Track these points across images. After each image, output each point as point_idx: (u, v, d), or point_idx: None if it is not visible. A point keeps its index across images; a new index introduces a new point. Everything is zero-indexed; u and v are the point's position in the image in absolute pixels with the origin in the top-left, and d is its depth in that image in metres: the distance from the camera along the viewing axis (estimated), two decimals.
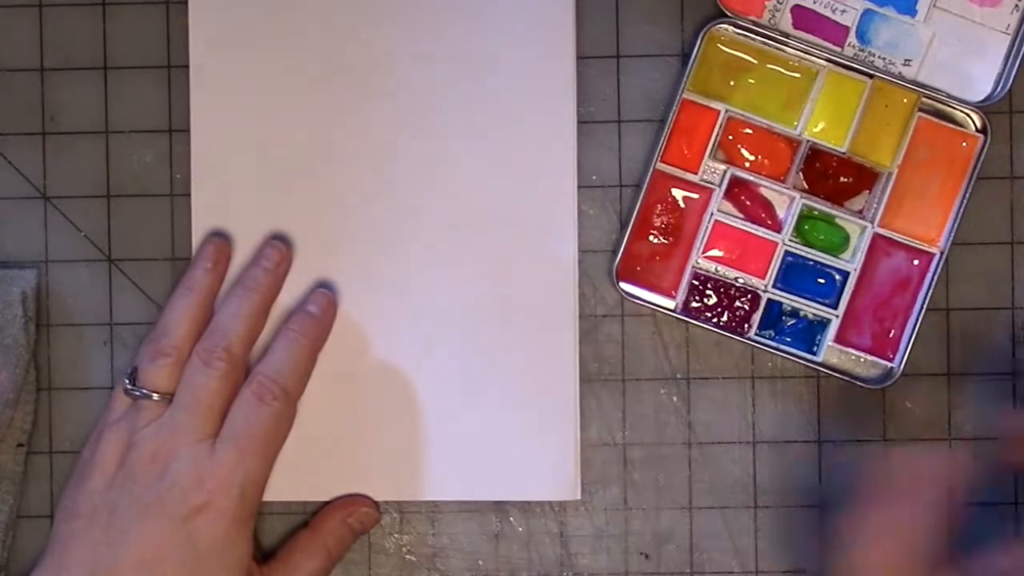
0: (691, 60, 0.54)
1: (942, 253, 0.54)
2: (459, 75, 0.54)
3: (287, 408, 0.51)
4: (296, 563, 0.53)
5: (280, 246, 0.53)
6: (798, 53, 0.54)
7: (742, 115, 0.54)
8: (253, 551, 0.51)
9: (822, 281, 0.55)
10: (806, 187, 0.55)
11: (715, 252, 0.54)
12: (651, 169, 0.54)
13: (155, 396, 0.50)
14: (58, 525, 0.50)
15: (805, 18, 0.55)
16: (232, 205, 0.55)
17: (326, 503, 0.54)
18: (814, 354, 0.54)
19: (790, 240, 0.54)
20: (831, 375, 0.54)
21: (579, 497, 0.54)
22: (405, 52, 0.54)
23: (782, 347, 0.54)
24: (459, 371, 0.54)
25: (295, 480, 0.54)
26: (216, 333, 0.51)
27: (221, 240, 0.54)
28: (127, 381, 0.51)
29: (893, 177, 0.54)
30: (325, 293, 0.54)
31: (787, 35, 0.54)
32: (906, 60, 0.55)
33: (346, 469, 0.54)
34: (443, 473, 0.54)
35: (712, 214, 0.54)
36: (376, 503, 0.54)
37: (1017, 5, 0.54)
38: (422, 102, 0.54)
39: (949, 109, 0.54)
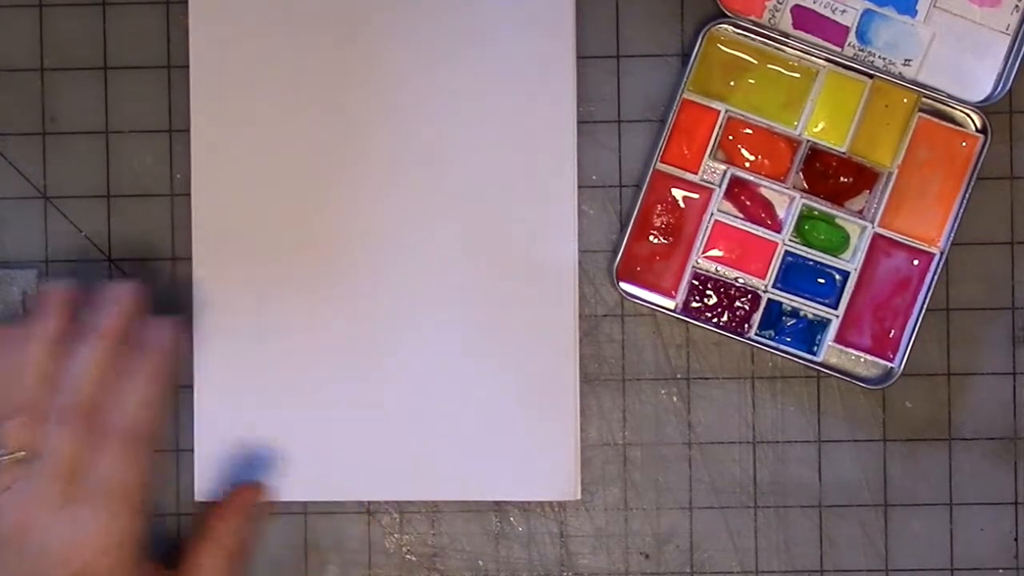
0: (691, 60, 0.54)
1: (942, 253, 0.54)
2: (459, 75, 0.54)
3: (148, 452, 0.49)
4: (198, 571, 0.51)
5: (127, 288, 0.50)
6: (798, 53, 0.54)
7: (742, 115, 0.54)
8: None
9: (822, 281, 0.55)
10: (806, 187, 0.55)
11: (715, 252, 0.54)
12: (651, 169, 0.54)
13: (20, 454, 0.47)
14: None
15: (805, 18, 0.55)
16: (232, 205, 0.55)
17: (212, 504, 0.53)
18: (814, 354, 0.54)
19: (790, 240, 0.54)
20: (831, 375, 0.54)
21: (579, 497, 0.54)
22: (405, 52, 0.54)
23: (782, 347, 0.54)
24: (459, 371, 0.54)
25: (294, 480, 0.54)
26: (67, 391, 0.48)
27: (63, 288, 0.50)
28: None
29: (893, 177, 0.54)
30: (166, 324, 0.51)
31: (787, 35, 0.54)
32: (906, 60, 0.55)
33: (346, 469, 0.54)
34: (443, 473, 0.54)
35: (712, 214, 0.54)
36: (265, 490, 0.53)
37: (1017, 5, 0.54)
38: (423, 101, 0.54)
39: (949, 109, 0.54)
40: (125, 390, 0.49)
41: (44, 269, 0.55)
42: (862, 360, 0.55)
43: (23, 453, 0.47)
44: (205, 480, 0.54)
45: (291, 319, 0.54)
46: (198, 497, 0.54)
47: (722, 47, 0.54)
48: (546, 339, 0.54)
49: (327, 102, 0.55)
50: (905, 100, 0.54)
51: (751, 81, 0.54)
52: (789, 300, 0.54)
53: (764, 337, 0.55)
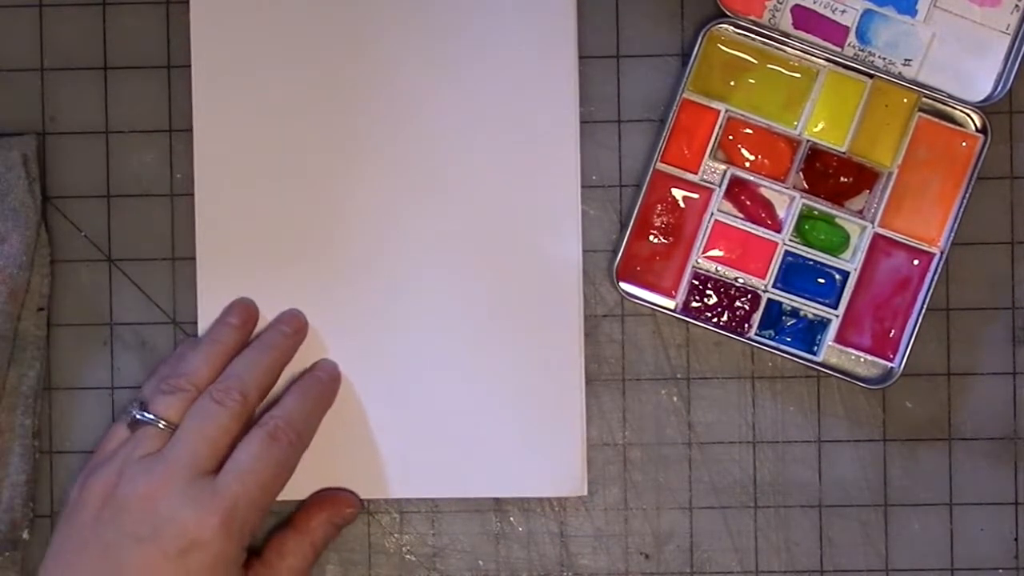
0: (691, 60, 0.54)
1: (942, 253, 0.54)
2: (461, 76, 0.54)
3: (295, 454, 0.50)
4: (284, 564, 0.52)
5: (299, 315, 0.54)
6: (798, 53, 0.54)
7: (742, 115, 0.54)
8: None
9: (822, 281, 0.55)
10: (806, 187, 0.55)
11: (715, 252, 0.54)
12: (651, 169, 0.54)
13: (161, 424, 0.49)
14: (47, 564, 0.49)
15: (805, 18, 0.55)
16: (235, 204, 0.54)
17: (306, 501, 0.54)
18: (814, 354, 0.54)
19: (790, 240, 0.54)
20: (831, 375, 0.54)
21: (585, 493, 0.54)
22: (407, 52, 0.54)
23: (782, 347, 0.54)
24: (465, 369, 0.54)
25: (315, 480, 0.54)
26: (232, 377, 0.51)
27: (250, 304, 0.54)
28: (134, 410, 0.50)
29: (893, 177, 0.54)
30: (330, 362, 0.54)
31: (787, 35, 0.54)
32: (906, 60, 0.55)
33: (355, 467, 0.54)
34: (449, 471, 0.54)
35: (712, 214, 0.54)
36: (359, 499, 0.54)
37: (1017, 5, 0.54)
38: (424, 102, 0.54)
39: (949, 109, 0.54)
40: (288, 397, 0.52)
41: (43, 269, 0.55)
42: (862, 360, 0.55)
43: (164, 424, 0.49)
44: None
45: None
46: None
47: (722, 47, 0.54)
48: (551, 336, 0.54)
49: (328, 102, 0.55)
50: (905, 100, 0.54)
51: (751, 81, 0.54)
52: (789, 300, 0.54)
53: (764, 337, 0.55)
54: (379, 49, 0.54)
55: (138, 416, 0.50)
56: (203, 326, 0.54)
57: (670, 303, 0.55)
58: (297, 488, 0.54)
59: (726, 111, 0.54)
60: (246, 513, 0.48)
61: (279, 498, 0.54)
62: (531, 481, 0.54)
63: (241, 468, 0.49)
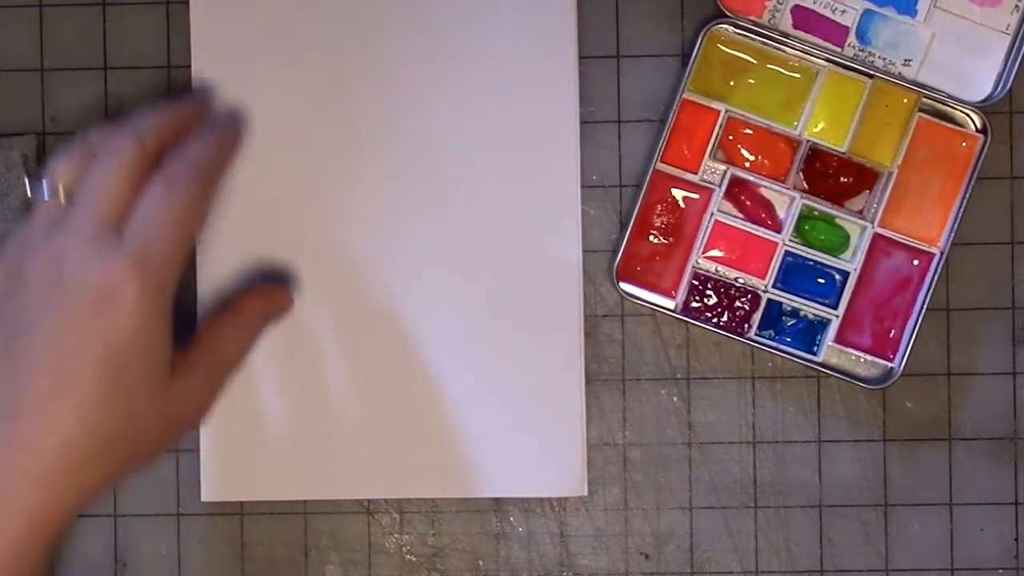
0: (691, 60, 0.54)
1: (942, 253, 0.54)
2: (461, 76, 0.54)
3: (202, 197, 0.47)
4: (218, 346, 0.50)
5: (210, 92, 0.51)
6: (798, 53, 0.54)
7: (742, 115, 0.54)
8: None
9: (822, 281, 0.55)
10: (806, 187, 0.55)
11: (715, 252, 0.54)
12: (651, 169, 0.54)
13: (60, 189, 0.46)
14: None
15: (805, 18, 0.55)
16: (233, 202, 0.54)
17: (243, 290, 0.53)
18: (814, 354, 0.54)
19: (790, 240, 0.54)
20: (831, 375, 0.54)
21: (585, 493, 0.54)
22: (407, 53, 0.54)
23: (782, 347, 0.54)
24: (465, 369, 0.54)
25: (316, 479, 0.54)
26: (129, 127, 0.47)
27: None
28: (29, 191, 0.46)
29: (893, 177, 0.54)
30: (232, 106, 0.52)
31: (787, 35, 0.54)
32: (906, 60, 0.55)
33: (355, 467, 0.54)
34: (450, 471, 0.54)
35: (712, 214, 0.54)
36: (292, 295, 0.54)
37: (1017, 5, 0.54)
38: (424, 102, 0.54)
39: (949, 109, 0.54)
40: (189, 143, 0.48)
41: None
42: (862, 360, 0.55)
43: (63, 192, 0.46)
44: (211, 480, 0.54)
45: (294, 319, 0.54)
46: (205, 498, 0.54)
47: (722, 47, 0.54)
48: (551, 336, 0.54)
49: (329, 102, 0.55)
50: (905, 100, 0.54)
51: (751, 81, 0.54)
52: (789, 300, 0.54)
53: (764, 337, 0.55)
54: (379, 50, 0.54)
55: (32, 182, 0.47)
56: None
57: (670, 303, 0.55)
58: (297, 488, 0.54)
59: (726, 111, 0.54)
60: (159, 263, 0.45)
61: (283, 498, 0.54)
62: (531, 481, 0.54)
63: (146, 216, 0.45)
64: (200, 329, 0.51)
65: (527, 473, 0.54)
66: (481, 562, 0.55)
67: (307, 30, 0.55)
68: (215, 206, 0.48)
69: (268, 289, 0.54)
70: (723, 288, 0.55)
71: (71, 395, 0.44)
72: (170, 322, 0.46)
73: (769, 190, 0.55)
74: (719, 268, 0.55)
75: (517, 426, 0.54)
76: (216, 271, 0.55)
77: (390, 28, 0.55)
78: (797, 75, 0.54)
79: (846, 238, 0.55)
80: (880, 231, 0.54)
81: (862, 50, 0.55)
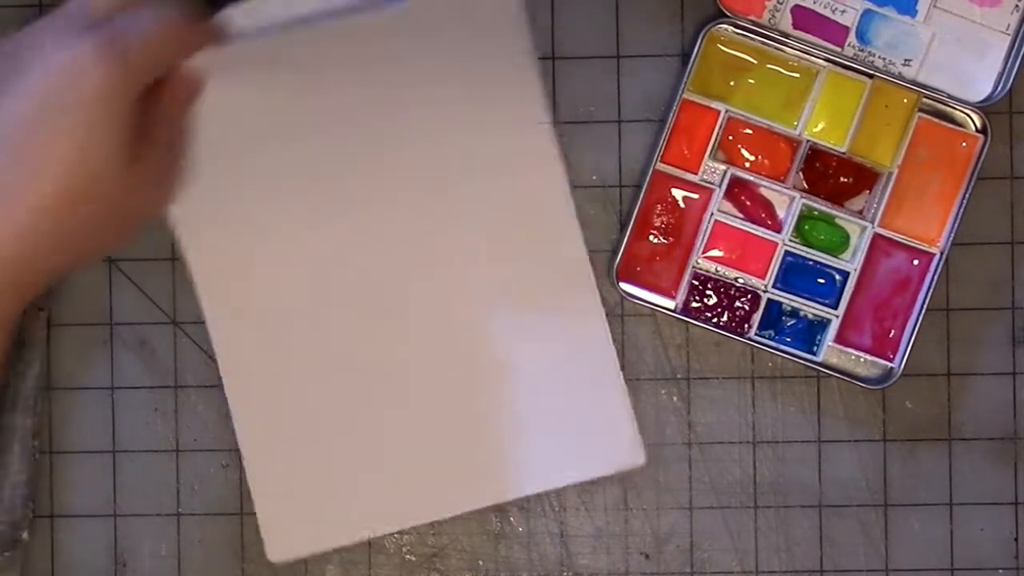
0: (691, 60, 0.54)
1: (942, 253, 0.54)
2: (443, 87, 0.54)
3: (189, 32, 0.47)
4: (158, 131, 0.49)
5: None
6: (798, 53, 0.54)
7: (742, 115, 0.54)
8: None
9: (822, 281, 0.55)
10: (806, 187, 0.55)
11: (715, 252, 0.55)
12: (651, 169, 0.54)
13: None
14: None
15: (805, 18, 0.55)
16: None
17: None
18: (814, 354, 0.54)
19: (790, 240, 0.54)
20: (831, 375, 0.54)
21: (643, 461, 0.54)
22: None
23: (782, 347, 0.54)
24: (503, 373, 0.54)
25: (378, 514, 0.55)
26: None
27: None
28: None
29: (893, 177, 0.54)
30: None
31: (787, 35, 0.54)
32: (906, 60, 0.55)
33: (415, 493, 0.54)
34: (511, 474, 0.54)
35: (712, 214, 0.54)
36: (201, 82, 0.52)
37: (1017, 5, 0.54)
38: (402, 122, 0.54)
39: (949, 109, 0.54)
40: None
41: None
42: (862, 360, 0.55)
43: None
44: (275, 540, 0.55)
45: (314, 360, 0.54)
46: (272, 558, 0.54)
47: (722, 47, 0.54)
48: (578, 328, 0.54)
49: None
50: (905, 100, 0.54)
51: (751, 81, 0.54)
52: (789, 300, 0.54)
53: (764, 337, 0.55)
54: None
55: None
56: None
57: (670, 303, 0.55)
58: (361, 527, 0.55)
59: (726, 111, 0.54)
60: (132, 53, 0.45)
61: (350, 542, 0.53)
62: (593, 464, 0.54)
63: (131, 15, 0.46)
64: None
65: (585, 457, 0.54)
66: (481, 562, 0.55)
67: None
68: (201, 47, 0.48)
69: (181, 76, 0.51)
70: (723, 288, 0.55)
71: (31, 184, 0.44)
72: (135, 113, 0.45)
73: (769, 190, 0.55)
74: (719, 268, 0.55)
75: (564, 415, 0.54)
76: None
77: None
78: (797, 75, 0.54)
79: (846, 238, 0.55)
80: (880, 231, 0.54)
81: (862, 50, 0.55)
